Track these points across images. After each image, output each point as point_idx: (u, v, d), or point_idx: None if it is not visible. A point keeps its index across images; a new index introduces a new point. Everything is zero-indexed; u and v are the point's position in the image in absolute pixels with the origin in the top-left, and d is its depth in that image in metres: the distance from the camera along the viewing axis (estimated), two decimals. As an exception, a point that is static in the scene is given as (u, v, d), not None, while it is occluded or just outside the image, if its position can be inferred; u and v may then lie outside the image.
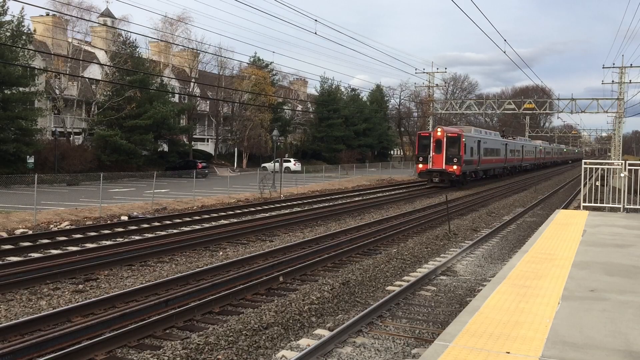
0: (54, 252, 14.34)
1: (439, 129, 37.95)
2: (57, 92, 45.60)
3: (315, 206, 26.23)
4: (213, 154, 63.09)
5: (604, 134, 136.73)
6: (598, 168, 20.10)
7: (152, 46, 58.21)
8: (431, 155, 37.29)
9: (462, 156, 36.75)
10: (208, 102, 63.59)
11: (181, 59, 58.53)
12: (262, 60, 65.06)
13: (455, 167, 36.56)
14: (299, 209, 24.97)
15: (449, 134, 37.24)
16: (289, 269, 12.38)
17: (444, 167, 36.79)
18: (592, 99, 57.20)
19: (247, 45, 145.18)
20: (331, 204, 27.55)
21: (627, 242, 11.17)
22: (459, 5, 44.91)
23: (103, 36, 52.51)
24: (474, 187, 39.39)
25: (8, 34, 38.21)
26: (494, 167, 48.60)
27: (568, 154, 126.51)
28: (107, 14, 55.40)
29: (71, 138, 45.76)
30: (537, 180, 45.84)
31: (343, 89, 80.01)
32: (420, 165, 38.06)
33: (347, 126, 74.59)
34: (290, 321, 8.96)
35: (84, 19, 45.43)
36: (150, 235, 17.06)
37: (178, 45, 53.07)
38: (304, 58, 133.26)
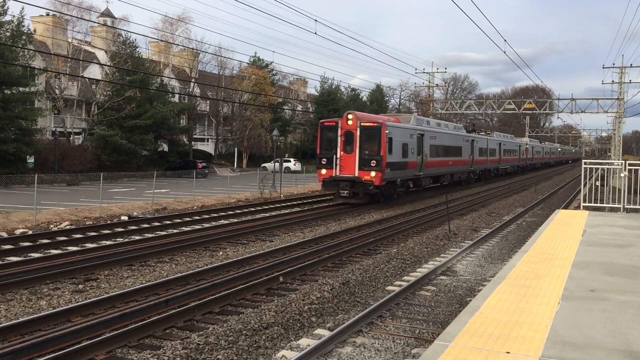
0: (54, 252, 14.33)
1: (349, 116, 25.21)
2: (57, 92, 45.62)
3: (315, 206, 26.22)
4: (213, 154, 63.12)
5: (604, 134, 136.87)
6: (598, 168, 20.12)
7: (152, 46, 58.25)
8: (339, 155, 25.01)
9: (385, 157, 24.52)
10: (208, 102, 63.63)
11: (181, 59, 58.58)
12: (262, 60, 65.18)
13: (373, 173, 24.38)
14: (299, 209, 24.96)
15: (365, 124, 24.98)
16: (289, 269, 12.38)
17: (356, 174, 24.65)
18: (592, 99, 57.39)
19: (247, 45, 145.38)
20: (331, 203, 27.52)
21: (627, 242, 11.17)
22: (459, 5, 44.98)
23: (103, 36, 52.54)
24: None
25: (8, 34, 38.26)
26: (451, 171, 35.91)
27: (564, 154, 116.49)
28: (107, 14, 55.43)
29: (71, 138, 45.78)
30: (537, 181, 45.81)
31: (343, 89, 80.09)
32: (324, 171, 25.31)
33: (347, 126, 74.48)
34: (290, 321, 8.96)
35: (84, 19, 45.55)
36: (150, 235, 17.05)
37: (178, 45, 53.13)
38: (304, 58, 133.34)
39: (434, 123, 34.67)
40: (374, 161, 24.52)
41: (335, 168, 25.07)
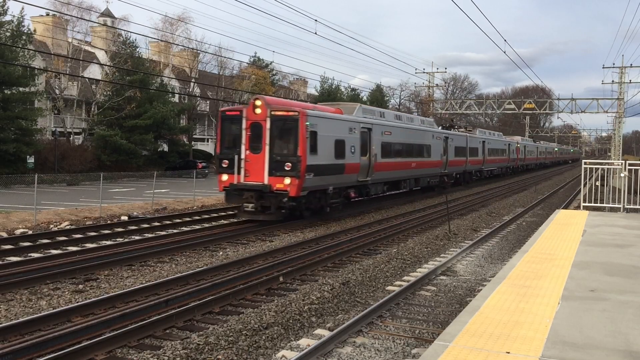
0: (54, 252, 14.33)
1: (257, 102, 19.04)
2: (57, 92, 45.63)
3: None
4: (213, 154, 63.10)
5: (604, 134, 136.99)
6: (598, 168, 20.13)
7: (152, 46, 58.25)
8: (243, 155, 19.00)
9: (304, 158, 18.47)
10: (208, 102, 63.61)
11: (181, 59, 58.58)
12: (262, 60, 65.12)
13: (287, 180, 18.28)
14: (299, 209, 24.92)
15: (277, 113, 18.82)
16: (289, 269, 12.38)
17: (265, 181, 18.58)
18: (592, 99, 57.47)
19: (247, 45, 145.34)
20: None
21: (627, 242, 11.18)
22: (459, 5, 45.05)
23: (103, 36, 52.55)
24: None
25: (8, 34, 38.27)
26: (415, 175, 28.99)
27: (562, 154, 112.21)
28: (107, 13, 55.47)
29: (71, 138, 45.79)
30: (538, 180, 45.80)
31: (343, 89, 79.89)
32: (225, 177, 19.28)
33: (347, 126, 74.38)
34: (290, 321, 8.96)
35: (84, 19, 45.57)
36: (150, 235, 17.05)
37: (178, 45, 53.11)
38: (304, 58, 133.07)
39: (391, 115, 27.97)
40: (289, 164, 18.34)
41: (239, 173, 18.97)
